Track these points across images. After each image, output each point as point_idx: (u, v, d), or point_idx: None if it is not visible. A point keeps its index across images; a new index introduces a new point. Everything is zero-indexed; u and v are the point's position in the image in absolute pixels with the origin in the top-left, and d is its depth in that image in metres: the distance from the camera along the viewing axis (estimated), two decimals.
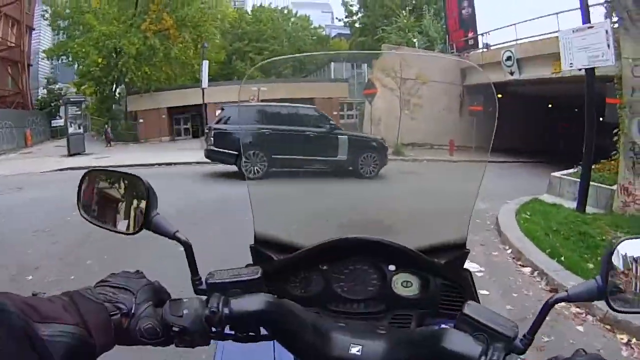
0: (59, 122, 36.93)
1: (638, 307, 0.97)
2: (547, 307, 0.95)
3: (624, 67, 8.87)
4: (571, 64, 9.47)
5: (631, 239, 0.95)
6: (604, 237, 7.23)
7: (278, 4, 60.64)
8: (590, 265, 5.96)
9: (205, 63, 27.70)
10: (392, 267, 1.32)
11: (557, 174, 12.17)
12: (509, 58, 21.48)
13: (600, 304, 3.94)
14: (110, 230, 1.16)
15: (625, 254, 0.93)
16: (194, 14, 36.02)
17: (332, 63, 44.19)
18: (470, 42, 30.24)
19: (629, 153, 9.07)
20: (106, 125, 35.24)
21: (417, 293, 1.33)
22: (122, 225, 1.17)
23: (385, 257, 1.31)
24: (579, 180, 10.76)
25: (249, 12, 57.53)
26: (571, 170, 12.43)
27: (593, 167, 11.75)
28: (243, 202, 1.39)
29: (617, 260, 0.92)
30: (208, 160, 13.75)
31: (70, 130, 26.33)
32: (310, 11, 64.81)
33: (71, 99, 29.64)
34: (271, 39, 52.88)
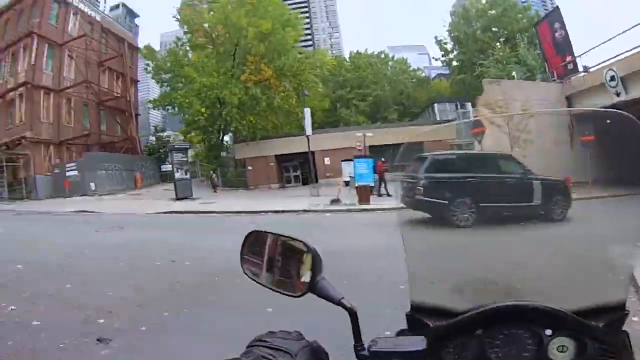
0: (167, 167, 39.68)
1: None
2: None
3: None
4: None
5: None
6: None
7: (374, 50, 61.79)
8: None
9: (308, 110, 28.38)
10: (548, 332, 1.26)
11: None
12: (612, 78, 20.02)
13: None
14: (276, 291, 1.22)
15: None
16: (292, 63, 37.97)
17: (436, 104, 43.88)
18: (570, 66, 28.86)
19: None
20: (212, 172, 37.53)
21: (573, 358, 1.28)
22: (287, 286, 1.22)
23: (542, 321, 1.27)
24: None
25: (347, 60, 58.95)
26: None
27: None
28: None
29: None
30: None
31: (177, 175, 28.42)
32: (407, 54, 65.55)
33: (175, 146, 32.04)
34: (372, 84, 54.11)
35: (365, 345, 1.09)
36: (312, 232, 12.67)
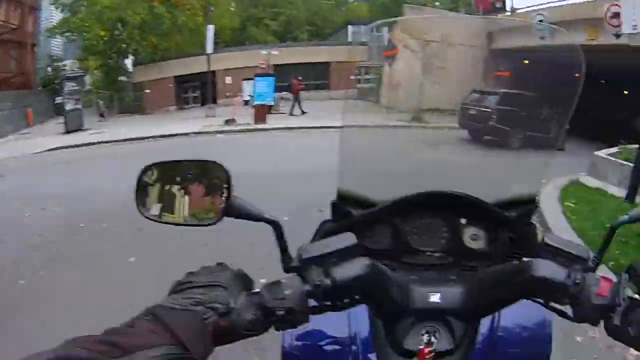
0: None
1: None
2: (612, 231, 1.15)
3: None
4: (635, 25, 8.96)
5: None
6: None
7: None
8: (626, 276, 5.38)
9: (211, 27, 27.61)
10: (463, 221, 1.39)
11: (600, 153, 12.03)
12: (540, 22, 19.92)
13: None
14: (187, 226, 1.15)
15: None
16: None
17: (350, 26, 43.92)
18: (498, 4, 29.78)
19: None
20: (98, 99, 35.72)
21: (484, 246, 1.40)
22: (199, 217, 1.15)
23: (458, 210, 1.38)
24: (625, 162, 10.61)
25: None
26: (613, 150, 12.19)
27: (630, 147, 11.40)
28: None
29: None
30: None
31: (68, 107, 26.62)
32: None
33: (68, 75, 30.14)
34: (287, 4, 52.60)
35: (294, 257, 1.08)
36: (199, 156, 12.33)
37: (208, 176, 1.16)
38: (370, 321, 1.28)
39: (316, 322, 1.19)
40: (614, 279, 1.01)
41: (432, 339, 1.09)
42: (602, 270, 1.20)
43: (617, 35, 16.23)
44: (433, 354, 1.07)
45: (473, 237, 1.40)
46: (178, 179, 1.16)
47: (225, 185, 1.08)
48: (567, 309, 1.03)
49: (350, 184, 1.41)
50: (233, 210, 1.08)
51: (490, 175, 1.76)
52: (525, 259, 1.12)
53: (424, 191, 1.35)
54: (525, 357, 1.39)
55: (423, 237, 1.40)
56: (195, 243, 6.03)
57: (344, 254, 1.02)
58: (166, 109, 35.26)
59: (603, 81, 24.04)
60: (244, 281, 0.99)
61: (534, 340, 1.41)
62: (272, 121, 20.37)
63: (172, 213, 1.14)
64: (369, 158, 1.71)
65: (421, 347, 1.07)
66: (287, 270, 1.08)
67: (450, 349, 1.08)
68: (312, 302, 0.99)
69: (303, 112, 22.91)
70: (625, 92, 27.38)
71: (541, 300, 1.06)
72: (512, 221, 1.39)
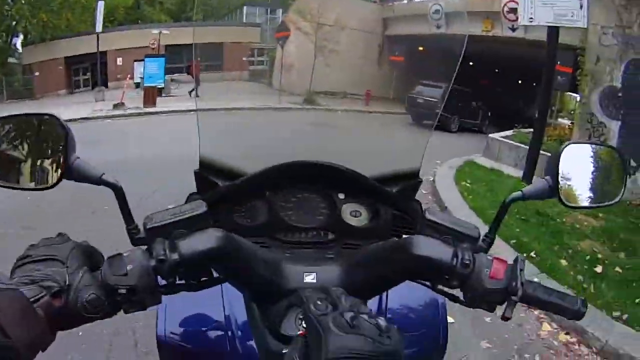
0: None
1: (586, 203, 1.15)
2: (505, 207, 1.07)
3: (590, 33, 8.98)
4: (531, 18, 9.30)
5: (576, 143, 1.13)
6: (564, 220, 7.08)
7: None
8: (564, 263, 5.71)
9: (101, 4, 26.41)
10: (341, 196, 1.33)
11: (495, 136, 12.53)
12: (436, 11, 21.96)
13: (598, 333, 4.15)
14: (21, 189, 1.02)
15: (571, 156, 1.08)
16: None
17: (245, 7, 43.33)
18: None
19: (585, 125, 9.24)
20: None
21: (366, 223, 1.35)
22: (34, 179, 1.02)
23: (335, 184, 1.33)
24: (519, 144, 11.22)
25: None
26: (508, 133, 12.85)
27: (525, 131, 12.12)
28: None
29: (564, 162, 1.05)
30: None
31: None
32: None
33: None
34: None
35: (140, 226, 0.99)
36: (85, 146, 11.68)
37: (44, 134, 1.03)
38: (246, 303, 1.21)
39: (190, 305, 1.16)
40: (509, 260, 0.96)
41: None
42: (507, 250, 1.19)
43: (513, 29, 17.10)
44: None
45: (353, 214, 1.35)
46: (10, 137, 1.03)
47: (62, 144, 0.96)
48: (459, 293, 0.98)
49: (214, 152, 1.33)
50: (71, 173, 0.97)
51: (372, 151, 1.74)
52: (405, 236, 1.08)
53: (296, 160, 1.27)
54: (418, 343, 1.34)
55: (299, 212, 1.34)
56: None
57: (193, 224, 0.95)
58: (56, 92, 33.24)
59: (497, 70, 25.31)
60: (88, 255, 0.88)
61: (426, 324, 1.39)
62: (163, 104, 19.75)
63: (7, 175, 1.01)
64: (235, 124, 1.70)
65: (299, 332, 0.92)
66: (134, 242, 0.99)
67: None
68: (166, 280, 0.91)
69: (197, 95, 22.57)
70: (519, 82, 29.09)
71: (428, 283, 1.03)
72: (394, 197, 1.34)
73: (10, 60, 38.16)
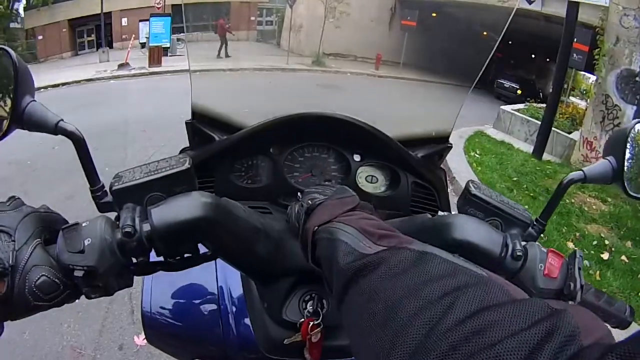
0: None
1: None
2: (562, 190, 0.91)
3: (611, 13, 8.78)
4: None
5: None
6: (572, 201, 6.97)
7: None
8: (570, 245, 5.58)
9: None
10: (357, 157, 1.20)
11: (507, 108, 12.29)
12: None
13: None
14: None
15: (637, 138, 0.90)
16: None
17: None
18: None
19: (599, 106, 9.11)
20: None
21: (384, 190, 1.23)
22: None
23: (350, 143, 1.19)
24: (531, 119, 11.11)
25: None
26: (520, 106, 12.71)
27: (537, 106, 12.03)
28: None
29: (632, 142, 0.89)
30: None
31: None
32: None
33: None
34: None
35: (107, 187, 0.81)
36: (87, 108, 11.55)
37: None
38: (243, 279, 1.08)
39: (180, 277, 0.99)
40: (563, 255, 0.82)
41: (318, 308, 0.88)
42: None
43: (530, 2, 16.86)
44: (319, 328, 0.86)
45: (369, 179, 1.22)
46: None
47: (12, 85, 0.76)
48: None
49: (210, 100, 1.17)
50: (21, 119, 0.77)
51: (395, 113, 1.58)
52: (443, 213, 0.94)
53: (308, 112, 1.10)
54: None
55: (308, 175, 1.20)
56: None
57: (173, 185, 0.78)
58: (60, 55, 33.13)
59: (510, 42, 25.09)
60: (45, 225, 0.70)
61: None
62: (168, 64, 19.62)
63: None
64: (234, 77, 1.53)
65: (304, 319, 0.86)
66: (100, 208, 0.82)
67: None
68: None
69: (227, 55, 22.44)
70: (533, 56, 28.86)
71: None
72: (417, 162, 1.20)
73: (13, 25, 37.98)
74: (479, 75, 1.25)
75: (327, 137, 1.18)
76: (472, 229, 0.80)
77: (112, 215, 0.76)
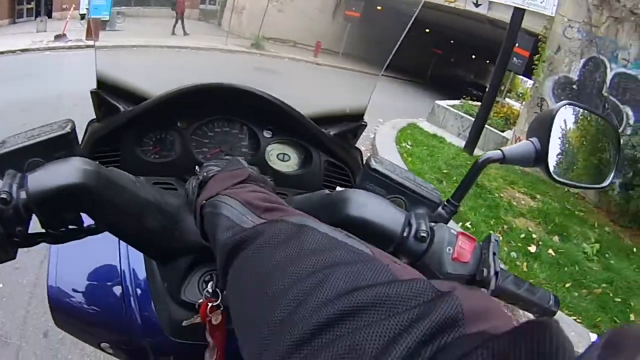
0: None
1: (575, 180, 0.91)
2: (477, 169, 0.86)
3: (556, 23, 9.15)
4: None
5: (573, 104, 0.90)
6: (501, 195, 7.15)
7: None
8: (498, 237, 5.57)
9: None
10: (267, 134, 1.16)
11: (442, 103, 12.55)
12: None
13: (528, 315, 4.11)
14: None
15: (565, 120, 0.88)
16: None
17: None
18: None
19: (534, 108, 9.51)
20: None
21: (296, 169, 1.19)
22: None
23: (260, 118, 1.15)
24: (465, 115, 11.51)
25: None
26: (455, 102, 13.02)
27: (472, 103, 12.38)
28: None
29: (557, 124, 0.85)
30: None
31: None
32: None
33: None
34: None
35: None
36: (20, 80, 11.11)
37: None
38: (145, 261, 1.03)
39: (85, 253, 0.96)
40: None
41: (217, 289, 0.83)
42: None
43: (477, 5, 17.23)
44: (220, 310, 0.82)
45: (280, 157, 1.19)
46: None
47: None
48: None
49: (116, 67, 1.12)
50: None
51: (310, 91, 1.57)
52: (339, 189, 0.88)
53: (211, 83, 1.07)
54: None
55: (216, 150, 1.16)
56: None
57: (54, 150, 0.75)
58: None
59: (452, 41, 25.65)
60: None
61: None
62: (105, 38, 19.05)
63: None
64: (147, 57, 1.48)
65: (203, 299, 0.82)
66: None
67: None
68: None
69: (185, 33, 21.91)
70: (473, 57, 29.62)
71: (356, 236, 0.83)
72: (330, 139, 1.17)
73: None
74: (388, 61, 1.23)
75: (236, 111, 1.15)
76: (369, 205, 0.75)
77: None
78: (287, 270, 0.45)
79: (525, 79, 15.85)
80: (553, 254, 5.64)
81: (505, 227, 6.15)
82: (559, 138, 0.87)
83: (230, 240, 0.57)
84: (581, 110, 0.92)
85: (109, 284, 1.05)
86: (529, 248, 5.63)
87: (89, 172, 0.70)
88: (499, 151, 0.85)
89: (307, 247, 0.49)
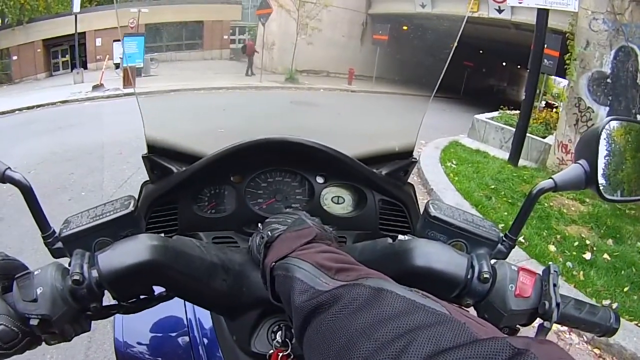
0: None
1: (626, 194, 0.91)
2: (532, 201, 0.86)
3: (580, 17, 8.91)
4: (520, 0, 9.36)
5: (617, 119, 0.89)
6: (551, 204, 6.96)
7: None
8: (552, 248, 5.59)
9: None
10: (320, 179, 1.17)
11: (481, 117, 12.33)
12: None
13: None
14: None
15: (613, 135, 0.87)
16: None
17: None
18: None
19: (572, 109, 9.21)
20: None
21: (351, 211, 1.19)
22: None
23: (312, 166, 1.15)
24: (505, 126, 11.20)
25: None
26: (493, 114, 12.77)
27: (511, 113, 12.16)
28: None
29: (604, 143, 0.84)
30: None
31: None
32: None
33: None
34: None
35: (57, 231, 0.80)
36: (62, 130, 11.45)
37: None
38: (211, 313, 1.06)
39: (151, 310, 0.93)
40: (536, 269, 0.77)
41: (287, 338, 0.84)
42: None
43: (499, 11, 17.11)
44: (290, 359, 0.82)
45: (335, 200, 1.19)
46: None
47: None
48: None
49: (164, 131, 1.15)
50: None
51: (358, 129, 1.56)
52: (403, 237, 0.84)
53: (262, 137, 1.06)
54: None
55: (271, 201, 1.16)
56: None
57: (120, 228, 0.78)
58: (35, 76, 32.76)
59: (481, 51, 25.45)
60: (2, 273, 0.70)
61: None
62: (142, 84, 19.52)
63: None
64: (185, 101, 1.50)
65: (273, 350, 0.83)
66: (53, 254, 0.80)
67: None
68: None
69: (252, 74, 22.49)
70: (504, 64, 29.29)
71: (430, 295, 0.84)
72: (381, 179, 1.16)
73: None
74: (438, 83, 1.23)
75: (288, 161, 1.16)
76: (433, 254, 0.77)
77: (67, 260, 0.76)
78: (371, 336, 0.46)
79: (558, 79, 15.56)
80: (608, 258, 5.45)
81: (559, 236, 5.99)
82: (607, 156, 0.86)
83: (306, 304, 0.58)
84: (626, 123, 0.91)
85: (175, 334, 1.10)
86: (584, 255, 5.48)
87: (157, 247, 0.73)
88: (550, 180, 0.85)
89: (387, 312, 0.49)
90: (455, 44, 1.25)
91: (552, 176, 0.86)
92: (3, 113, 16.69)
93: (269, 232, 0.80)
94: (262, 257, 0.76)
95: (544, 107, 14.63)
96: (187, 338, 1.09)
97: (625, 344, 3.88)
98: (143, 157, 1.10)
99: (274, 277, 0.70)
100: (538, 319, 0.77)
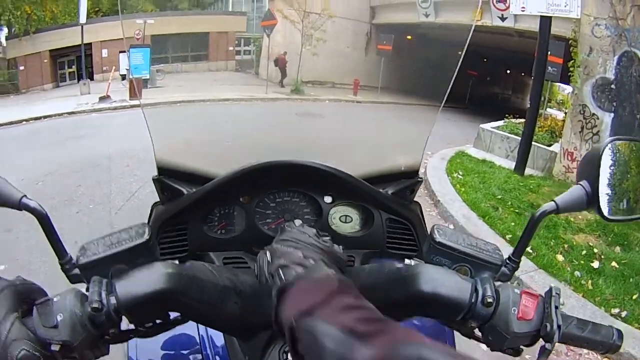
0: None
1: (628, 213, 0.93)
2: (534, 224, 0.88)
3: (583, 24, 8.92)
4: (523, 8, 9.31)
5: (619, 139, 0.92)
6: None
7: None
8: (560, 258, 5.60)
9: None
10: (328, 199, 1.18)
11: (487, 126, 12.29)
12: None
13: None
14: None
15: (615, 155, 0.89)
16: None
17: None
18: None
19: (577, 116, 9.21)
20: None
21: (358, 230, 1.21)
22: None
23: (320, 186, 1.17)
24: (510, 135, 11.14)
25: None
26: (499, 123, 12.69)
27: (516, 122, 12.13)
28: None
29: (605, 163, 0.87)
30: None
31: None
32: None
33: None
34: None
35: (74, 258, 0.82)
36: (70, 141, 11.48)
37: None
38: (224, 334, 1.07)
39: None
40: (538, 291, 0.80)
41: None
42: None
43: (502, 19, 17.14)
44: None
45: (343, 219, 1.21)
46: None
47: None
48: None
49: (174, 153, 1.17)
50: None
51: (364, 146, 1.56)
52: (410, 263, 0.91)
53: (270, 161, 1.08)
54: None
55: (280, 221, 1.18)
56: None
57: (136, 256, 0.81)
58: (42, 86, 32.91)
59: (485, 60, 25.42)
60: (23, 296, 0.71)
61: None
62: (148, 95, 19.56)
63: None
64: (195, 116, 1.53)
65: None
66: (70, 280, 0.83)
67: None
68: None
69: (283, 86, 22.69)
70: (508, 72, 29.27)
71: (437, 320, 0.87)
72: (388, 199, 1.18)
73: None
74: (447, 92, 1.26)
75: (295, 181, 1.17)
76: (438, 280, 0.79)
77: (83, 285, 0.78)
78: None
79: (563, 85, 15.51)
80: (616, 266, 5.45)
81: (566, 246, 5.96)
82: (608, 176, 0.89)
83: None
84: (627, 142, 0.94)
85: (187, 352, 1.12)
86: (592, 264, 5.46)
87: (172, 275, 0.76)
88: (552, 203, 0.88)
89: None
90: (464, 52, 1.26)
91: (554, 199, 0.88)
92: (10, 123, 16.77)
93: (281, 273, 0.78)
94: (277, 302, 0.74)
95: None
96: (199, 356, 1.10)
97: (635, 353, 3.87)
98: (154, 180, 1.12)
99: (296, 338, 0.67)
100: (541, 339, 0.79)
